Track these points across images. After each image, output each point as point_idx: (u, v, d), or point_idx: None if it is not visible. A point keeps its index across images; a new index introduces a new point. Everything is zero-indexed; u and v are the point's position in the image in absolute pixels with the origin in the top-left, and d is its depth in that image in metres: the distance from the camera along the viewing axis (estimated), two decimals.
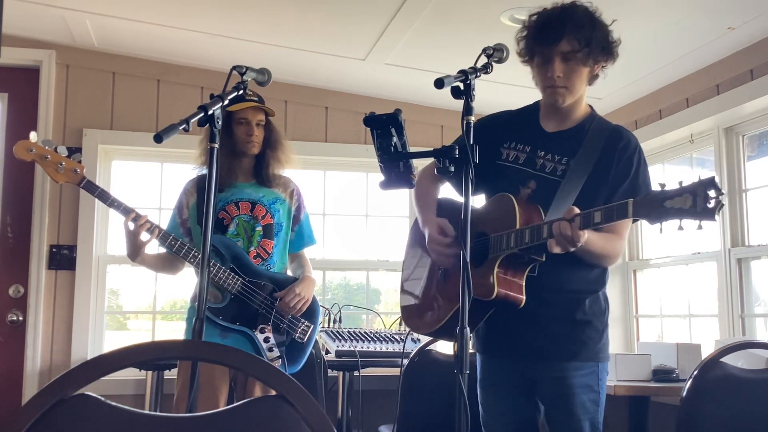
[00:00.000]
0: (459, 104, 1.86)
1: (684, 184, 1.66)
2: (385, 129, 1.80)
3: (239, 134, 2.93)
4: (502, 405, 2.26)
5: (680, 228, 1.67)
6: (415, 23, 3.32)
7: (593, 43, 2.08)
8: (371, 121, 1.80)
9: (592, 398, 2.15)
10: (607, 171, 2.13)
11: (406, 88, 4.15)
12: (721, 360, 2.45)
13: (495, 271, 2.04)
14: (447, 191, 2.45)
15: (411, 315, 2.38)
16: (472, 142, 2.16)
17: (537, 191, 2.15)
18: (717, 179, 1.62)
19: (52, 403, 1.07)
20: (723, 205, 1.62)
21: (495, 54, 1.95)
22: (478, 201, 2.32)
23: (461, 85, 1.83)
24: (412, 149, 1.85)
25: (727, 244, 3.52)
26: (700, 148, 3.83)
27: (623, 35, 3.25)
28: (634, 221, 2.17)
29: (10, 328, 3.84)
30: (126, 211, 2.76)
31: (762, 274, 3.48)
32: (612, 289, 4.32)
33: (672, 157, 4.05)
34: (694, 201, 1.62)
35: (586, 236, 1.89)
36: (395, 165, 1.84)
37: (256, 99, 2.96)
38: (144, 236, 2.75)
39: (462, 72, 1.84)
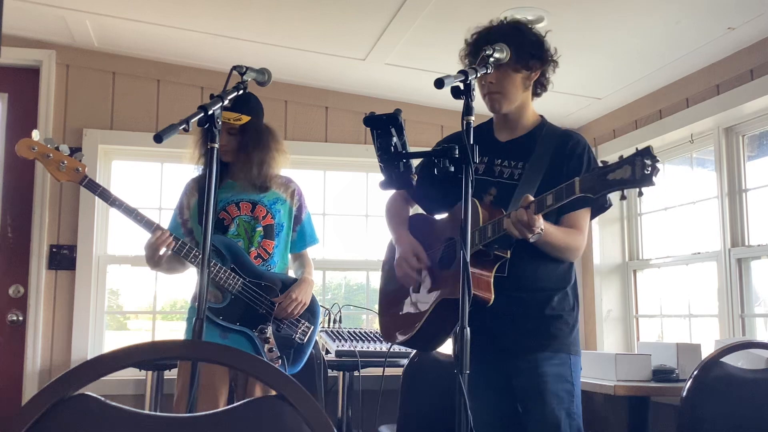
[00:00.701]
0: (459, 104, 1.86)
1: (624, 157, 1.80)
2: (385, 129, 1.81)
3: None
4: (486, 407, 2.29)
5: (623, 198, 1.81)
6: (416, 23, 3.32)
7: (520, 50, 2.22)
8: (371, 121, 1.81)
9: (565, 389, 2.21)
10: (560, 169, 2.23)
11: (406, 88, 4.15)
12: (721, 360, 2.45)
13: None
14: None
15: (387, 328, 2.48)
16: (430, 166, 2.33)
17: (498, 197, 2.27)
18: (651, 147, 1.76)
19: (52, 403, 1.07)
20: (659, 170, 1.75)
21: (495, 54, 1.97)
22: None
23: (461, 85, 1.84)
24: (412, 149, 1.85)
25: (727, 244, 3.52)
26: (700, 148, 3.84)
27: (624, 35, 3.28)
28: (593, 217, 2.33)
29: (10, 328, 3.84)
30: (128, 210, 2.77)
31: (762, 274, 3.48)
32: (612, 289, 4.32)
33: (672, 157, 4.05)
34: (633, 170, 1.75)
35: (542, 222, 2.01)
36: (395, 165, 1.84)
37: (227, 106, 2.86)
38: (162, 251, 2.77)
39: (462, 72, 1.84)
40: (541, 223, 2.00)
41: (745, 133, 3.58)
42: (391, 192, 2.61)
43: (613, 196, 1.97)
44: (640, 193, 1.76)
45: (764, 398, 2.46)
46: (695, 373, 2.43)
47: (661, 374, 3.20)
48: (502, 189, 2.27)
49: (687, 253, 3.88)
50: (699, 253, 3.79)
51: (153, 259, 2.81)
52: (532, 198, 1.99)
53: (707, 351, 3.06)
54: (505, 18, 2.36)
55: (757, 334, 3.42)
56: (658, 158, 1.75)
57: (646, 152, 1.74)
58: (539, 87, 2.36)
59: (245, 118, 2.88)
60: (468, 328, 1.76)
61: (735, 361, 2.57)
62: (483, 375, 2.27)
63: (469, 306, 2.11)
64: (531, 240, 2.02)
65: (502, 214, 2.12)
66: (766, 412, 2.44)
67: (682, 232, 3.96)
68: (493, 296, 2.13)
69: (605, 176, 1.81)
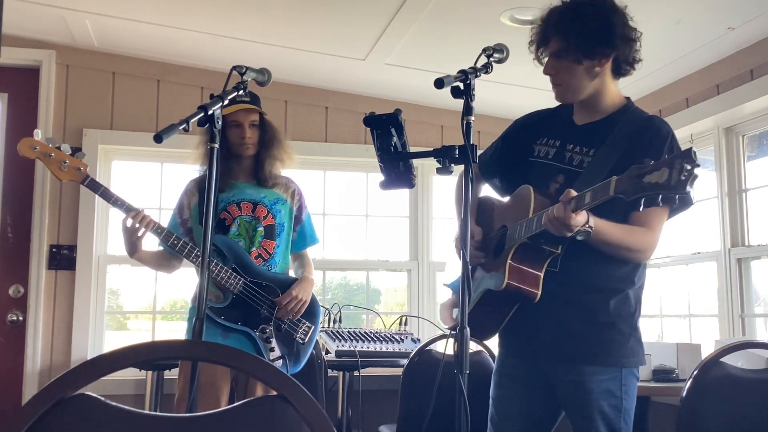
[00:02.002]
0: (459, 104, 1.86)
1: (665, 158, 1.64)
2: (385, 129, 1.80)
3: (232, 137, 2.92)
4: (515, 402, 2.19)
5: (657, 204, 1.63)
6: (415, 23, 3.32)
7: (579, 40, 2.03)
8: (371, 121, 1.80)
9: (612, 404, 2.05)
10: (635, 159, 1.98)
11: (406, 88, 4.15)
12: (721, 360, 2.45)
13: (507, 262, 2.02)
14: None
15: (444, 313, 2.38)
16: (503, 143, 2.27)
17: (564, 185, 2.05)
18: (693, 152, 1.59)
19: (52, 403, 1.07)
20: (696, 176, 1.57)
21: (495, 54, 1.96)
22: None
23: (461, 85, 1.83)
24: (412, 149, 1.85)
25: (727, 244, 3.52)
26: (700, 148, 3.83)
27: None
28: (673, 214, 2.08)
29: (10, 328, 3.84)
30: (129, 209, 2.77)
31: (762, 274, 3.48)
32: None
33: None
34: (670, 174, 1.60)
35: (584, 219, 1.83)
36: (395, 165, 1.84)
37: (247, 100, 2.93)
38: (140, 232, 2.75)
39: (462, 72, 1.84)
40: (581, 221, 1.82)
41: (745, 133, 3.58)
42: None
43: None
44: (675, 202, 1.60)
45: (764, 398, 2.45)
46: (695, 373, 2.43)
47: (661, 374, 3.20)
48: (569, 177, 2.08)
49: (687, 253, 3.88)
50: (699, 253, 3.79)
51: (132, 243, 2.77)
52: (574, 193, 1.82)
53: (707, 351, 3.06)
54: None
55: (757, 334, 3.42)
56: (698, 163, 1.57)
57: (687, 155, 1.58)
58: (624, 66, 2.10)
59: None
60: (468, 328, 1.75)
61: (735, 361, 2.57)
62: (523, 372, 2.18)
63: (514, 300, 2.04)
64: (578, 237, 1.86)
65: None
66: (766, 412, 2.44)
67: (682, 232, 3.96)
68: (540, 292, 2.01)
69: (641, 178, 1.65)
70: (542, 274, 2.03)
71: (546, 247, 2.00)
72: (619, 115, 2.15)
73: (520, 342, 2.20)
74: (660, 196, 1.62)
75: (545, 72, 2.13)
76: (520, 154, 2.23)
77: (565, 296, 2.07)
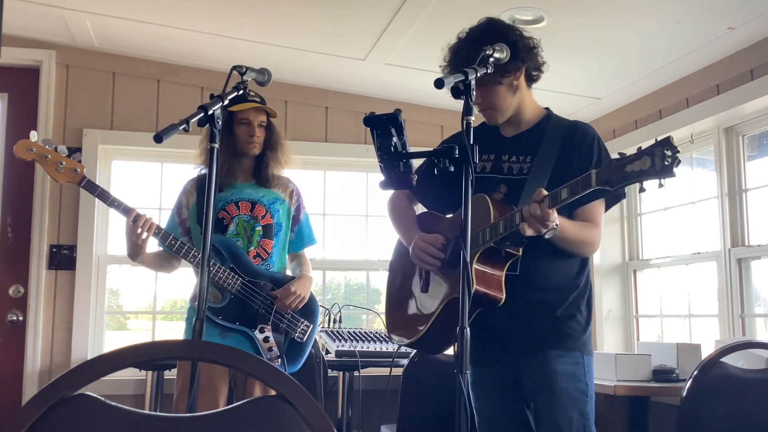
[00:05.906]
0: (459, 104, 1.86)
1: (642, 148, 1.75)
2: (385, 129, 1.80)
3: (241, 134, 2.94)
4: (496, 408, 2.26)
5: (642, 189, 1.75)
6: (415, 23, 3.32)
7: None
8: (371, 121, 1.80)
9: (579, 387, 2.15)
10: (569, 162, 2.16)
11: (406, 88, 4.15)
12: (721, 360, 2.45)
13: (473, 267, 2.06)
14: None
15: (395, 328, 2.41)
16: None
17: (508, 194, 2.20)
18: (671, 137, 1.69)
19: (52, 403, 1.07)
20: (680, 161, 1.69)
21: (495, 54, 1.96)
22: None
23: (461, 85, 1.83)
24: (412, 149, 1.85)
25: (727, 244, 3.52)
26: (700, 148, 3.84)
27: (624, 35, 3.27)
28: (608, 207, 2.25)
29: (10, 328, 3.84)
30: (126, 210, 2.77)
31: (762, 274, 3.48)
32: (612, 289, 4.32)
33: None
34: (653, 161, 1.70)
35: (556, 216, 1.94)
36: (395, 165, 1.84)
37: (258, 100, 2.97)
38: (144, 235, 2.76)
39: (462, 72, 1.84)
40: (555, 217, 1.93)
41: (745, 133, 3.58)
42: (390, 192, 2.57)
43: (632, 187, 1.91)
44: (661, 185, 1.70)
45: (764, 398, 2.46)
46: (695, 373, 2.43)
47: (661, 374, 3.20)
48: (512, 185, 2.21)
49: (687, 253, 3.88)
50: (699, 253, 3.79)
51: (135, 246, 2.78)
52: (545, 192, 1.92)
53: (707, 351, 3.06)
54: (465, 31, 2.24)
55: (757, 334, 3.42)
56: (678, 148, 1.69)
57: (666, 142, 1.68)
58: (533, 72, 2.25)
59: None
60: (468, 328, 1.74)
61: (735, 361, 2.58)
62: (490, 376, 2.24)
63: (477, 305, 2.08)
64: (546, 236, 1.96)
65: (512, 209, 2.05)
66: (766, 412, 2.44)
67: (682, 232, 3.96)
68: (504, 296, 2.08)
69: (623, 168, 1.75)
70: (503, 277, 2.10)
71: (509, 250, 2.08)
72: (544, 122, 2.30)
73: (485, 349, 2.23)
74: (643, 182, 1.73)
75: (475, 101, 2.18)
76: (454, 174, 2.26)
77: (526, 297, 2.16)
